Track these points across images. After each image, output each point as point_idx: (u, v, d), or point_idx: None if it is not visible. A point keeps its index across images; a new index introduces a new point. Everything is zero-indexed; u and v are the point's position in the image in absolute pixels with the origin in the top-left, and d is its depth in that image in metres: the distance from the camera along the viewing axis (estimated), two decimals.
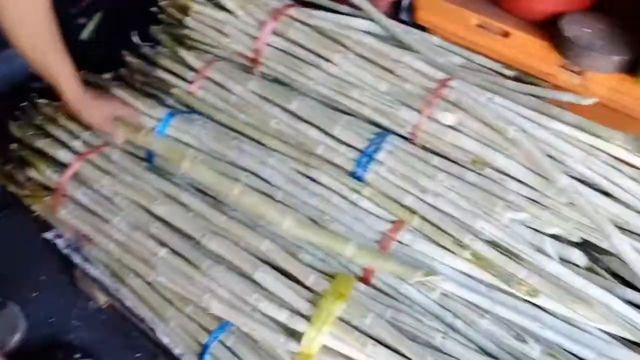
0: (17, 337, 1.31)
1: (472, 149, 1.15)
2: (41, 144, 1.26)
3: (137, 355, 1.34)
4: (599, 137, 1.12)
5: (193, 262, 1.05)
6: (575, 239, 1.12)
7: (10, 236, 1.51)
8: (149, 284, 1.15)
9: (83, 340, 1.36)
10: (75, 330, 1.38)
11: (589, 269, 1.12)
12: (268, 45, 1.34)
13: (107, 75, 1.44)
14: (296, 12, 1.34)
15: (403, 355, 0.93)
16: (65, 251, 1.30)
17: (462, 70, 1.31)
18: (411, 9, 1.44)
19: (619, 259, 1.01)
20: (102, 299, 1.38)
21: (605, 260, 1.16)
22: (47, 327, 1.39)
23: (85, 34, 1.90)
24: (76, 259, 1.30)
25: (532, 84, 1.30)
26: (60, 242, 1.32)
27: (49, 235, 1.34)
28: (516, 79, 1.32)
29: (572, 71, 1.27)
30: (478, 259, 1.05)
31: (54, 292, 1.44)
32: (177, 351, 1.19)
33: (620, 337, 1.03)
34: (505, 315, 1.03)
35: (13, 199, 1.43)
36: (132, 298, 1.17)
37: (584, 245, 1.12)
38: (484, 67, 1.35)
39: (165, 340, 1.20)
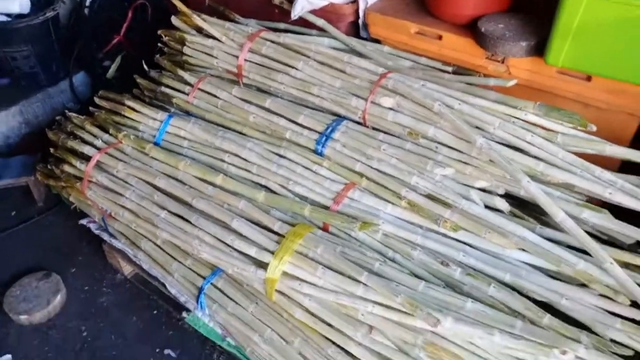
0: (58, 298, 1.62)
1: (407, 124, 1.42)
2: (71, 143, 1.60)
3: (155, 312, 1.61)
4: (514, 107, 1.38)
5: (185, 218, 1.33)
6: (500, 192, 1.36)
7: (55, 228, 1.90)
8: (158, 246, 1.43)
9: (111, 302, 1.64)
10: (105, 295, 1.67)
11: (512, 214, 1.35)
12: (247, 61, 1.67)
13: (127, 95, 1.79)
14: (267, 34, 1.67)
15: (344, 274, 1.17)
16: (97, 232, 1.62)
17: (411, 71, 1.60)
18: (366, 26, 1.76)
19: None
20: (127, 270, 1.67)
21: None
22: (83, 293, 1.68)
23: (110, 74, 2.29)
24: (104, 236, 1.60)
25: (467, 75, 1.58)
26: (92, 226, 1.64)
27: (83, 221, 1.66)
28: (454, 72, 1.60)
29: (496, 61, 1.54)
30: (412, 206, 1.30)
31: (89, 268, 1.76)
32: (182, 299, 1.45)
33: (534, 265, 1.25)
34: (434, 247, 1.27)
35: (57, 201, 1.87)
36: (146, 260, 1.45)
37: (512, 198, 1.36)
38: (428, 66, 1.64)
39: (173, 291, 1.46)
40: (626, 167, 1.36)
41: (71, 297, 1.65)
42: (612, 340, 1.12)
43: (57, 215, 1.91)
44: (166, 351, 1.51)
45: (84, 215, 1.69)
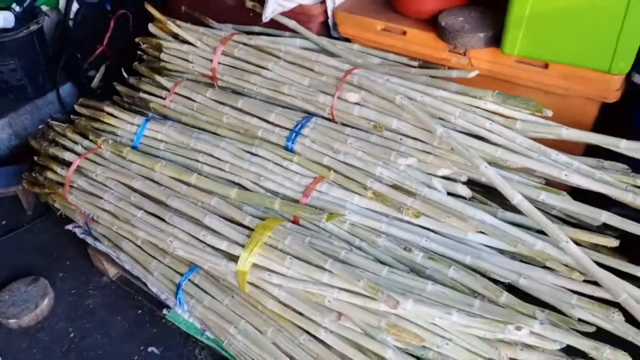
0: (46, 302, 1.67)
1: (372, 117, 1.47)
2: (53, 150, 1.66)
3: (139, 311, 1.67)
4: (474, 97, 1.42)
5: (160, 217, 1.39)
6: (463, 179, 1.41)
7: (44, 235, 1.96)
8: (138, 246, 1.48)
9: (98, 304, 1.70)
10: (91, 297, 1.73)
11: (475, 200, 1.40)
12: (220, 64, 1.72)
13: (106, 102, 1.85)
14: (239, 37, 1.73)
15: (311, 263, 1.22)
16: (81, 236, 1.68)
17: (379, 67, 1.65)
18: (335, 25, 1.81)
19: None
20: (111, 272, 1.72)
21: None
22: (70, 295, 1.74)
23: (94, 83, 2.35)
24: (89, 240, 1.66)
25: (432, 68, 1.63)
26: (77, 231, 1.70)
27: (69, 226, 1.72)
28: (420, 67, 1.65)
29: (458, 53, 1.59)
30: (377, 196, 1.35)
31: (76, 271, 1.81)
32: (162, 297, 1.50)
33: (495, 248, 1.30)
34: (398, 234, 1.31)
35: (46, 209, 1.95)
36: (128, 261, 1.51)
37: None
38: (395, 62, 1.70)
39: (154, 289, 1.51)
40: (591, 153, 1.39)
41: (59, 300, 1.71)
42: (580, 320, 1.16)
43: (45, 222, 1.97)
44: (150, 349, 1.56)
45: (70, 221, 1.74)
